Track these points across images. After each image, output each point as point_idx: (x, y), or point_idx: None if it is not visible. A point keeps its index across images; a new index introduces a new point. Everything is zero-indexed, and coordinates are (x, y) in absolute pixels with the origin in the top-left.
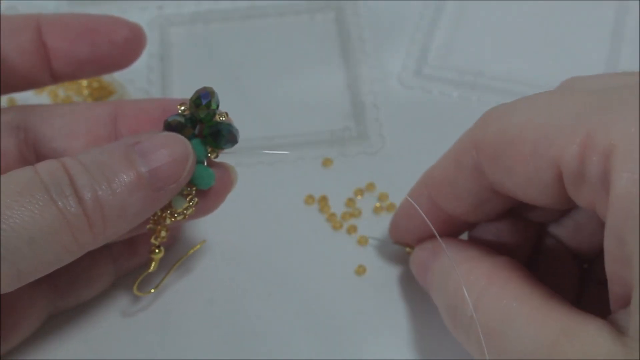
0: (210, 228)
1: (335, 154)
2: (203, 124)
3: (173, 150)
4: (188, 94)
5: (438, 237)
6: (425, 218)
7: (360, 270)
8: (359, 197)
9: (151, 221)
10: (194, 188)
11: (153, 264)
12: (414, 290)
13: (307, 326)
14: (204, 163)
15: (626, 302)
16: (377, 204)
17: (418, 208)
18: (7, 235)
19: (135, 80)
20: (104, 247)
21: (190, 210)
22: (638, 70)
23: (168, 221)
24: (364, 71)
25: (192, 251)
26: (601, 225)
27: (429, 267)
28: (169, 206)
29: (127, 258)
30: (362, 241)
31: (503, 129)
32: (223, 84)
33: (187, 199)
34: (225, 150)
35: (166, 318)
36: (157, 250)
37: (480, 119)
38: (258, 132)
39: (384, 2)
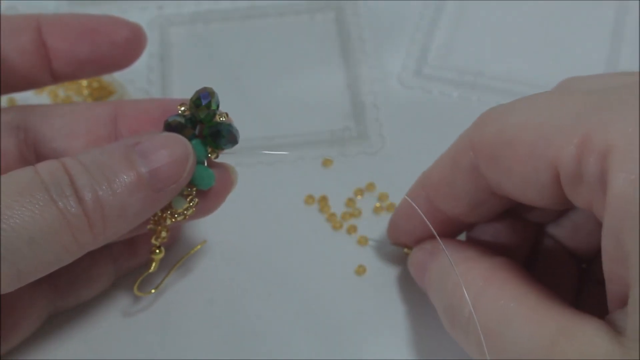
0: (211, 228)
1: (335, 154)
2: (203, 125)
3: (173, 151)
4: (188, 94)
5: (437, 237)
6: (424, 218)
7: (360, 270)
8: (359, 197)
9: (151, 221)
10: (194, 188)
11: (154, 264)
12: (414, 290)
13: (307, 326)
14: (204, 163)
15: (624, 302)
16: (377, 204)
17: (417, 208)
18: (7, 235)
19: (135, 80)
20: (104, 247)
21: (190, 211)
22: (638, 70)
23: (168, 221)
24: (364, 71)
25: (192, 251)
26: (599, 225)
27: (426, 268)
28: (169, 206)
29: (127, 258)
30: (362, 241)
31: (500, 130)
32: (223, 84)
33: (188, 200)
34: (225, 151)
35: (166, 318)
36: (157, 251)
37: (477, 120)
38: (258, 132)
39: (384, 2)
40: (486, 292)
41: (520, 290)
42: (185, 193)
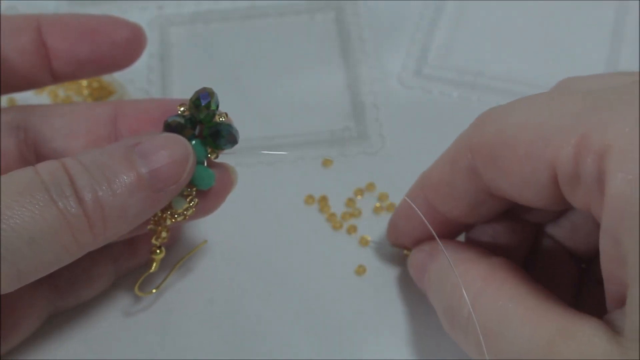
0: (211, 228)
1: (335, 154)
2: (203, 125)
3: (173, 151)
4: (188, 94)
5: (437, 237)
6: (424, 218)
7: (360, 270)
8: (359, 197)
9: (152, 222)
10: (194, 189)
11: (154, 264)
12: (414, 291)
13: (307, 326)
14: (204, 164)
15: (622, 302)
16: (377, 204)
17: (416, 208)
18: (7, 235)
19: (135, 80)
20: (104, 247)
21: (190, 211)
22: (638, 70)
23: (168, 222)
24: (364, 71)
25: (193, 251)
26: (598, 225)
27: (426, 269)
28: (169, 207)
29: (127, 258)
30: (364, 242)
31: (498, 131)
32: (223, 84)
33: (188, 200)
34: (225, 151)
35: (166, 318)
36: (158, 251)
37: (475, 121)
38: (258, 132)
39: (384, 2)
40: (485, 293)
41: (519, 290)
42: (185, 193)
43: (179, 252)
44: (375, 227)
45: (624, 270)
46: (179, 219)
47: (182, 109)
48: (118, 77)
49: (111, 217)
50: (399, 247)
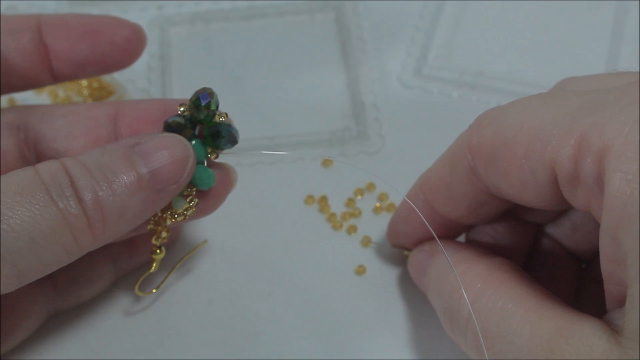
0: (211, 228)
1: (335, 154)
2: (203, 125)
3: (173, 152)
4: (188, 94)
5: (436, 238)
6: (423, 219)
7: (360, 270)
8: (359, 197)
9: (152, 222)
10: (194, 189)
11: (154, 264)
12: (414, 290)
13: (307, 326)
14: (204, 164)
15: (622, 302)
16: (377, 204)
17: (416, 209)
18: (7, 235)
19: (135, 80)
20: (104, 247)
21: (190, 211)
22: (638, 70)
23: (168, 222)
24: (364, 71)
25: (193, 251)
26: (598, 225)
27: (426, 269)
28: (169, 207)
29: (127, 258)
30: (366, 242)
31: (497, 132)
32: (223, 84)
33: (188, 200)
34: (225, 151)
35: (166, 318)
36: (158, 251)
37: (474, 122)
38: (258, 133)
39: (384, 2)
40: (484, 293)
41: (519, 291)
42: (185, 193)
43: (179, 252)
44: (375, 227)
45: (624, 270)
46: (179, 219)
47: (182, 109)
48: (118, 77)
49: (111, 217)
50: (400, 248)
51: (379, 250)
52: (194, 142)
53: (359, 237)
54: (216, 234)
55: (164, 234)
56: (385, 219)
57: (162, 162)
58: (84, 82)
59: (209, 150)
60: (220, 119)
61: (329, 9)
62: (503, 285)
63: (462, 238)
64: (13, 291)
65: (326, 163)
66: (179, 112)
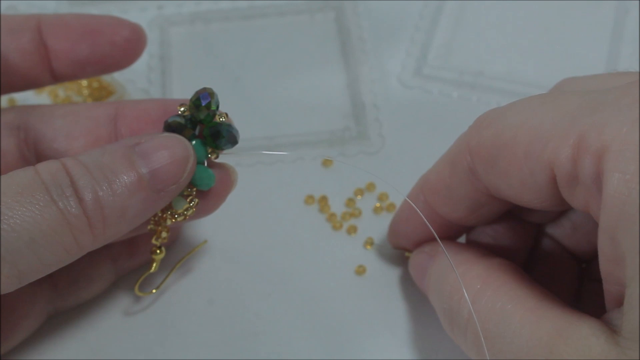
0: (211, 228)
1: (335, 154)
2: (203, 125)
3: (173, 152)
4: (188, 94)
5: (437, 238)
6: (424, 218)
7: (360, 270)
8: (359, 197)
9: (152, 222)
10: (194, 189)
11: (154, 264)
12: (414, 290)
13: (307, 326)
14: (204, 164)
15: (620, 302)
16: (377, 204)
17: (417, 209)
18: (7, 235)
19: (135, 80)
20: (104, 247)
21: (190, 211)
22: (638, 70)
23: (169, 222)
24: (364, 71)
25: (193, 251)
26: (597, 224)
27: (426, 270)
28: (169, 207)
29: (128, 258)
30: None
31: (496, 133)
32: (223, 84)
33: (188, 200)
34: (225, 151)
35: (166, 318)
36: (158, 251)
37: (473, 123)
38: (258, 133)
39: (384, 2)
40: (484, 294)
41: (518, 291)
42: (185, 193)
43: (179, 252)
44: (375, 227)
45: (622, 270)
46: (179, 219)
47: (182, 109)
48: (118, 77)
49: (111, 217)
50: (400, 250)
51: (379, 250)
52: (194, 142)
53: (359, 237)
54: (216, 234)
55: (164, 234)
56: (385, 219)
57: (162, 162)
58: (84, 82)
59: (209, 151)
60: (221, 119)
61: (329, 9)
62: (502, 286)
63: (462, 239)
64: (13, 291)
65: (326, 163)
66: (179, 112)
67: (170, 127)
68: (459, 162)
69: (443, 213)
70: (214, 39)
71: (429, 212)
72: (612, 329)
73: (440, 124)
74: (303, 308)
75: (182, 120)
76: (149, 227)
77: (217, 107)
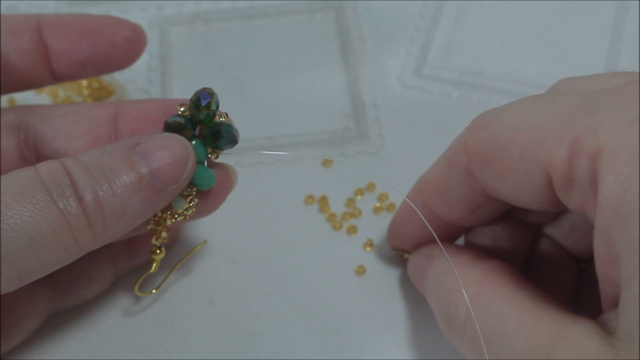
0: (211, 228)
1: (335, 154)
2: (203, 125)
3: (173, 152)
4: (188, 94)
5: (437, 238)
6: (424, 219)
7: (360, 270)
8: (359, 197)
9: (152, 222)
10: (194, 189)
11: (154, 264)
12: (414, 290)
13: (307, 326)
14: (204, 164)
15: (616, 303)
16: (377, 204)
17: (416, 210)
18: (7, 235)
19: (135, 80)
20: (104, 247)
21: (190, 211)
22: (638, 70)
23: (169, 222)
24: (364, 71)
25: (193, 251)
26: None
27: (424, 273)
28: (169, 207)
29: (128, 258)
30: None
31: (492, 134)
32: (223, 84)
33: (188, 200)
34: (225, 151)
35: (166, 318)
36: (158, 251)
37: (470, 124)
38: (258, 133)
39: (384, 2)
40: (480, 297)
41: (514, 294)
42: (185, 193)
43: (179, 252)
44: (375, 227)
45: (618, 271)
46: (179, 219)
47: (182, 109)
48: (118, 77)
49: (111, 217)
50: (399, 251)
51: (379, 250)
52: (194, 142)
53: (359, 238)
54: (216, 234)
55: (164, 234)
56: (385, 219)
57: (162, 162)
58: (84, 82)
59: (209, 151)
60: (221, 119)
61: (329, 9)
62: (499, 289)
63: (460, 240)
64: (13, 291)
65: (326, 163)
66: (179, 112)
67: (170, 127)
68: (456, 163)
69: (441, 214)
70: (214, 39)
71: (427, 214)
72: (608, 331)
73: (440, 124)
74: (303, 308)
75: (182, 120)
76: (149, 227)
77: (217, 107)
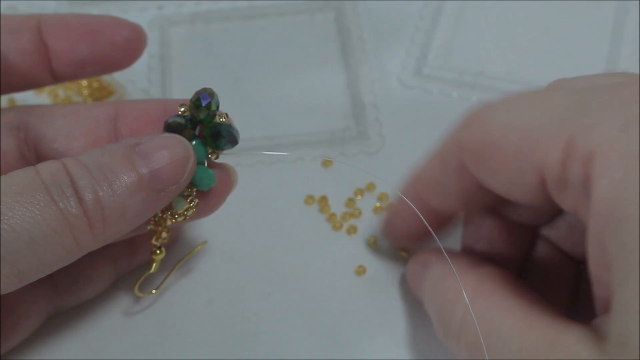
0: (211, 228)
1: (335, 154)
2: (203, 125)
3: (174, 152)
4: (188, 94)
5: (436, 238)
6: (424, 220)
7: (360, 270)
8: (359, 197)
9: (152, 222)
10: (195, 189)
11: (154, 264)
12: None
13: (307, 326)
14: (204, 164)
15: (609, 307)
16: (377, 204)
17: (416, 210)
18: (7, 235)
19: (135, 80)
20: (104, 247)
21: (190, 212)
22: (638, 70)
23: (169, 222)
24: (364, 71)
25: (193, 251)
26: None
27: (422, 279)
28: (169, 207)
29: (128, 258)
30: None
31: (486, 132)
32: (223, 84)
33: (188, 200)
34: (226, 151)
35: (166, 318)
36: (158, 251)
37: (464, 119)
38: (258, 133)
39: (384, 2)
40: (475, 304)
41: (509, 300)
42: (185, 194)
43: (179, 253)
44: (375, 227)
45: (610, 275)
46: (179, 220)
47: (182, 109)
48: (118, 77)
49: (111, 217)
50: (396, 247)
51: (380, 250)
52: (194, 142)
53: (359, 237)
54: (216, 234)
55: (164, 235)
56: None
57: (162, 163)
58: (84, 82)
59: (210, 151)
60: (221, 120)
61: (329, 9)
62: (493, 295)
63: (457, 244)
64: (13, 291)
65: (326, 163)
66: (180, 112)
67: (170, 128)
68: (449, 158)
69: (435, 206)
70: (214, 39)
71: (421, 205)
72: (601, 336)
73: (440, 124)
74: (303, 308)
75: (182, 121)
76: (149, 227)
77: (217, 108)
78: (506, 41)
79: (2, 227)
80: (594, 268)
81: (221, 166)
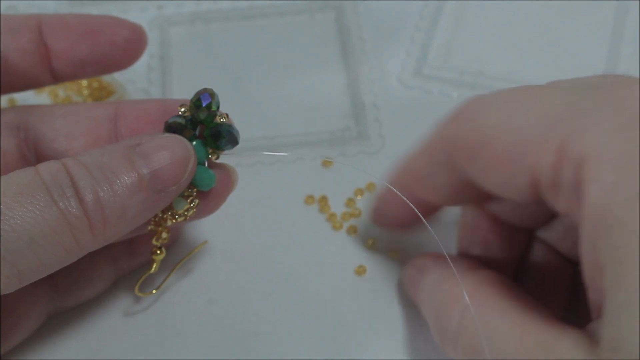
0: (211, 229)
1: (335, 154)
2: (203, 126)
3: (174, 152)
4: (188, 94)
5: (436, 238)
6: (421, 216)
7: (360, 271)
8: (359, 197)
9: (152, 222)
10: (195, 189)
11: (155, 265)
12: None
13: (307, 326)
14: (204, 164)
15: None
16: None
17: (413, 207)
18: (7, 235)
19: (135, 81)
20: (104, 247)
21: (191, 212)
22: (638, 70)
23: (169, 222)
24: (364, 71)
25: (193, 252)
26: None
27: (418, 284)
28: (170, 207)
29: (128, 258)
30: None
31: (477, 129)
32: (223, 84)
33: (188, 201)
34: (226, 152)
35: (166, 318)
36: (158, 252)
37: (454, 114)
38: (258, 133)
39: (384, 2)
40: (470, 309)
41: (504, 304)
42: (185, 194)
43: (179, 253)
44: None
45: (602, 279)
46: (179, 220)
47: (182, 109)
48: (118, 77)
49: (112, 217)
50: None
51: (380, 250)
52: (194, 142)
53: (359, 238)
54: (216, 235)
55: (164, 235)
56: None
57: (162, 163)
58: (84, 82)
59: (210, 151)
60: (221, 120)
61: (329, 9)
62: (489, 300)
63: (455, 245)
64: (13, 291)
65: (326, 163)
66: (180, 112)
67: (170, 128)
68: (438, 152)
69: (424, 199)
70: (214, 39)
71: (409, 195)
72: (594, 340)
73: None
74: (303, 308)
75: (182, 121)
76: (149, 227)
77: (218, 108)
78: (506, 41)
79: (2, 227)
80: (588, 272)
81: (221, 166)
